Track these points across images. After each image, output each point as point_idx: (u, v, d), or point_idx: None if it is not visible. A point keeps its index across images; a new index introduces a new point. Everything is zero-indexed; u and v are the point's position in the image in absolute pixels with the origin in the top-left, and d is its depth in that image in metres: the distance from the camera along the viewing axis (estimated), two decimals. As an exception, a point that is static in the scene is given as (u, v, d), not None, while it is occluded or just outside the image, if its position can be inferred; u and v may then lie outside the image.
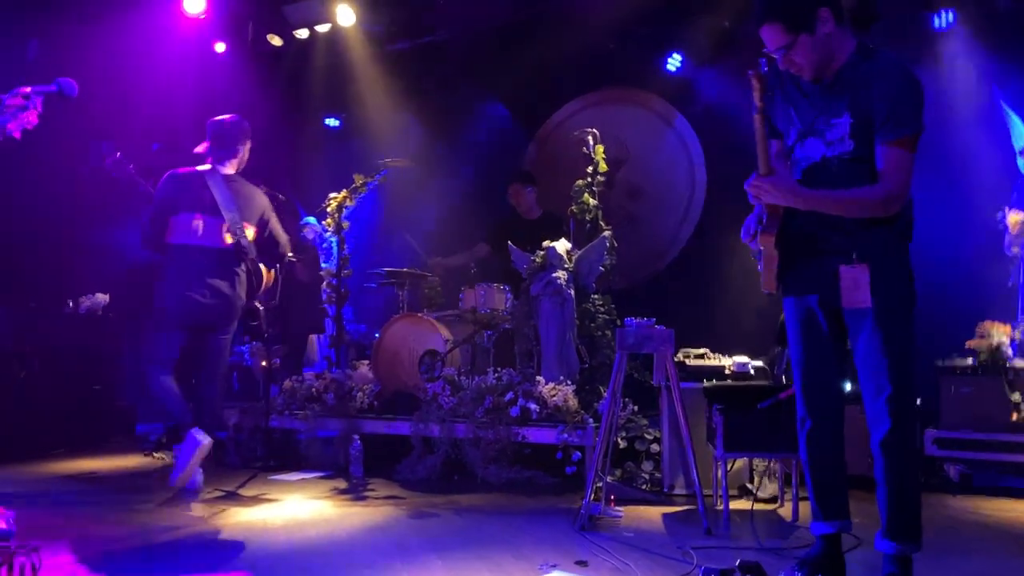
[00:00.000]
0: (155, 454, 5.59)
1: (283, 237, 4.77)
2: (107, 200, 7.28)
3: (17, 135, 2.98)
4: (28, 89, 3.01)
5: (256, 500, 4.19)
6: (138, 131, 7.23)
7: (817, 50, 2.55)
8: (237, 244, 4.45)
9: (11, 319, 5.82)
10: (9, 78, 3.19)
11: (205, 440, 4.14)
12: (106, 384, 6.43)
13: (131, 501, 4.15)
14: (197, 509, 3.97)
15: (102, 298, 6.42)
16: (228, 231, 4.42)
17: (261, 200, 4.67)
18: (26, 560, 2.49)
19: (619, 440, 4.54)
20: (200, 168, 4.53)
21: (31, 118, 3.01)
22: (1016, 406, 4.37)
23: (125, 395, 6.77)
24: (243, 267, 4.52)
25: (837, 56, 2.59)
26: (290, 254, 4.90)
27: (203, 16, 6.97)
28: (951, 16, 5.79)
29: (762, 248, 2.65)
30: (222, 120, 4.60)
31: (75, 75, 3.19)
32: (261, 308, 4.78)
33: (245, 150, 4.64)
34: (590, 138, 5.54)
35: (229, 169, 4.58)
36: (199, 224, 4.39)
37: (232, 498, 4.24)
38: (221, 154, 4.56)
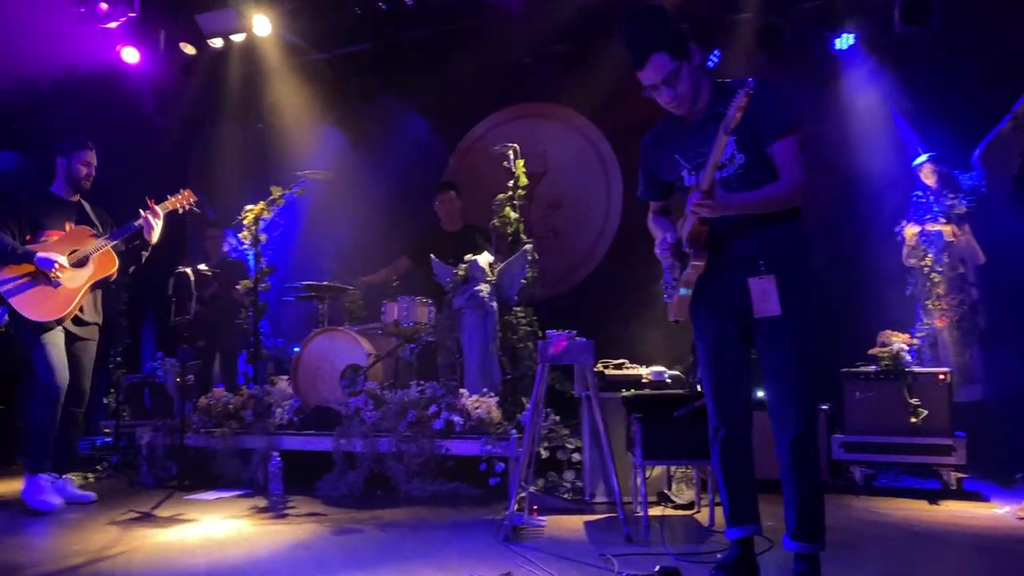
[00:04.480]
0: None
1: None
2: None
3: None
4: None
5: (172, 521, 4.09)
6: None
7: (695, 79, 2.73)
8: None
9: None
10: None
11: None
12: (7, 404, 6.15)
13: (40, 525, 4.01)
14: (112, 532, 3.84)
15: None
16: None
17: None
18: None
19: (541, 450, 4.59)
20: None
21: None
22: (914, 410, 4.60)
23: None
24: None
25: (702, 91, 2.76)
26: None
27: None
28: (852, 39, 6.08)
29: (692, 274, 2.74)
30: None
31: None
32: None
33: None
34: (511, 152, 5.59)
35: None
36: None
37: (147, 519, 4.12)
38: None
